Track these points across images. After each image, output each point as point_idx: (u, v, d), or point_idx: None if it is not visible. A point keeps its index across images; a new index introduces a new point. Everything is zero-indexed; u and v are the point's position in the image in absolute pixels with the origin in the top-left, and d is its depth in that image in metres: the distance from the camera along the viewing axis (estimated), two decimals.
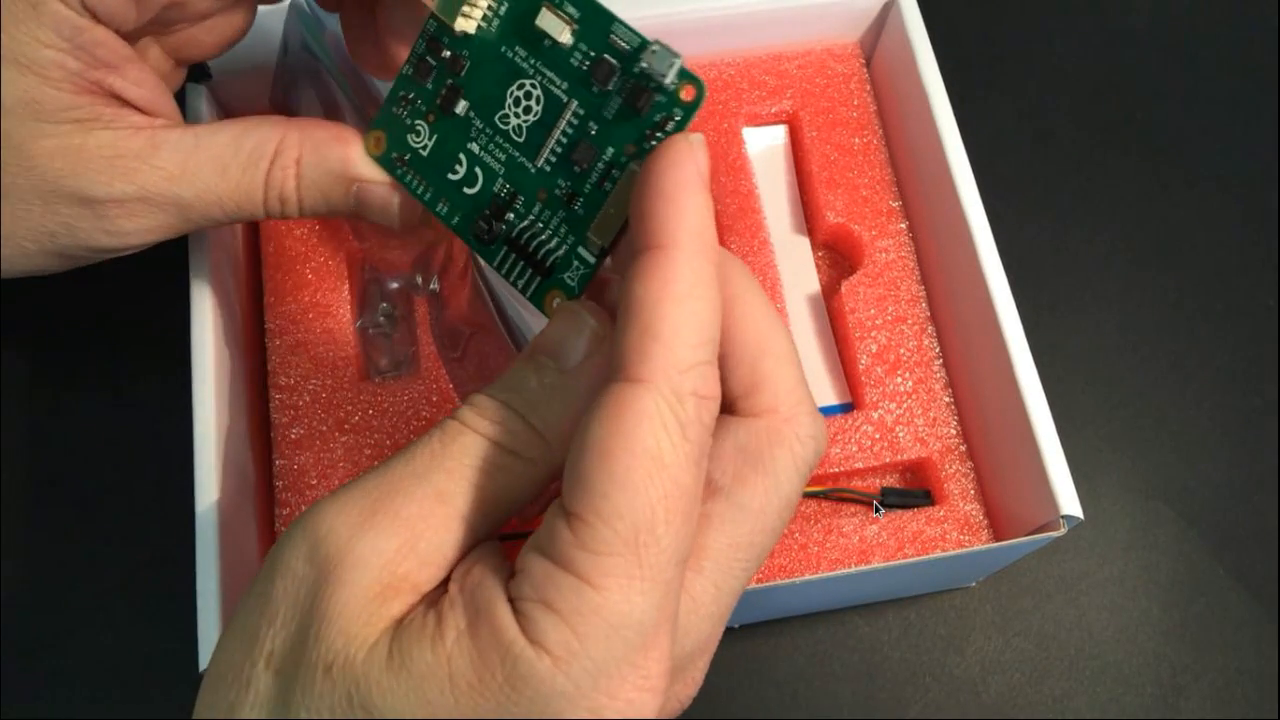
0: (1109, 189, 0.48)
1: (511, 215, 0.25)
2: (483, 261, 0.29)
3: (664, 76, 0.22)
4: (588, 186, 0.24)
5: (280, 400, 0.37)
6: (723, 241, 0.40)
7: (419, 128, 0.26)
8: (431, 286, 0.38)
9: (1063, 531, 0.32)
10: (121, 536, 0.40)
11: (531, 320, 0.32)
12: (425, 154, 0.26)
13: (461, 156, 0.26)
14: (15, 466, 0.41)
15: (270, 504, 0.36)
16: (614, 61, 0.23)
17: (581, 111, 0.24)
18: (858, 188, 0.41)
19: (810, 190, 0.42)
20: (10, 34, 0.26)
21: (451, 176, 0.26)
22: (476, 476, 0.21)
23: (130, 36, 0.28)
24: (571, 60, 0.24)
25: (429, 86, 0.26)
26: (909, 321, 0.39)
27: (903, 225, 0.41)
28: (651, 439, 0.19)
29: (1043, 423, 0.33)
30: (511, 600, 0.19)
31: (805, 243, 0.42)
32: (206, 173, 0.27)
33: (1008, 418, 0.35)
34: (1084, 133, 0.49)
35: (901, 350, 0.39)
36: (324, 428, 0.37)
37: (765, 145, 0.43)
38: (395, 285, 0.39)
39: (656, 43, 0.23)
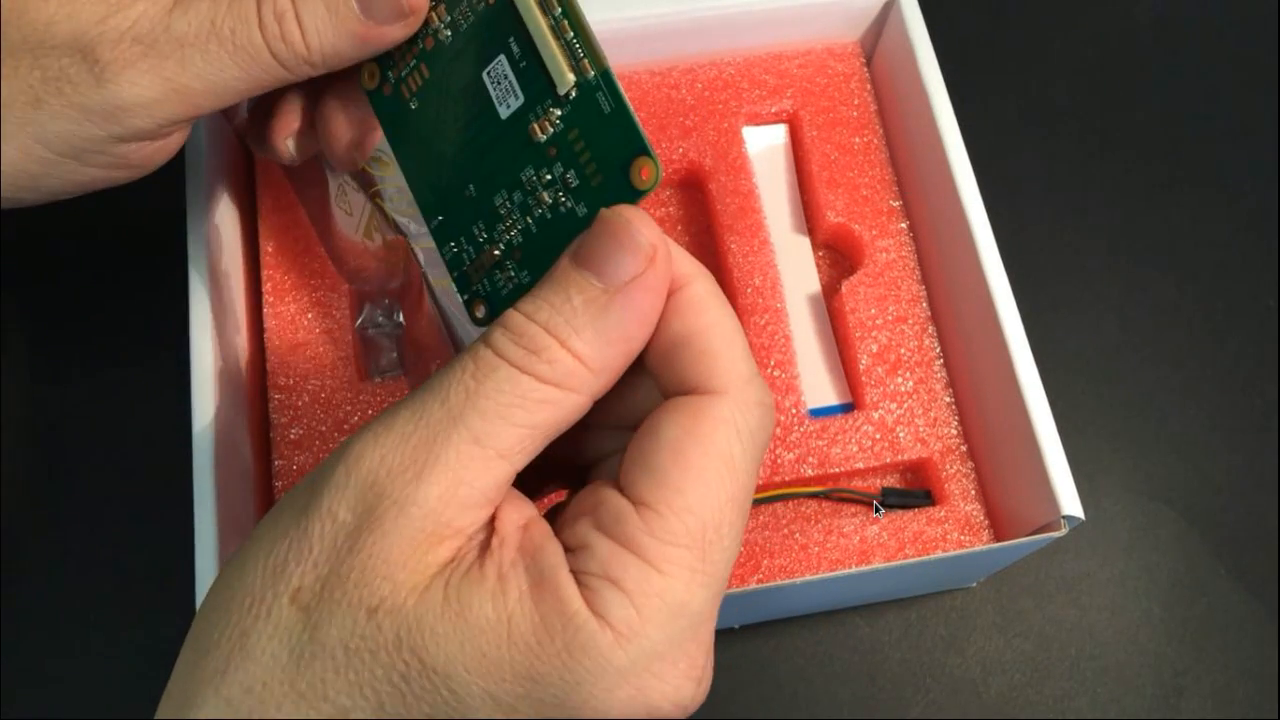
0: (1109, 189, 0.48)
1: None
2: (433, 282, 0.29)
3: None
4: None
5: (280, 400, 0.37)
6: (723, 241, 0.40)
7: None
8: (396, 317, 0.38)
9: (1064, 532, 0.32)
10: (121, 536, 0.40)
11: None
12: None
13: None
14: (15, 467, 0.41)
15: (270, 504, 0.36)
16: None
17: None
18: (858, 187, 0.41)
19: (810, 190, 0.41)
20: None
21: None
22: (515, 413, 0.20)
23: None
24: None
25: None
26: (909, 321, 0.39)
27: (903, 225, 0.41)
28: (726, 443, 0.20)
29: (1043, 423, 0.33)
30: (574, 573, 0.19)
31: (805, 242, 0.42)
32: (201, 6, 0.25)
33: (1008, 418, 0.35)
34: (1084, 133, 0.49)
35: (902, 350, 0.39)
36: (323, 428, 0.37)
37: (765, 145, 0.43)
38: (387, 301, 0.39)
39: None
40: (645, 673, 0.19)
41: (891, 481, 0.39)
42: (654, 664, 0.19)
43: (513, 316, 0.21)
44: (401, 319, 0.38)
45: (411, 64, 0.25)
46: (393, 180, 0.35)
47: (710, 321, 0.21)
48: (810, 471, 0.37)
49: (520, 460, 0.21)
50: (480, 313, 0.24)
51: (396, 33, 0.25)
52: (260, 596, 0.20)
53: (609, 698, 0.19)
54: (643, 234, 0.21)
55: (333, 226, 0.37)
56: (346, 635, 0.19)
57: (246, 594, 0.20)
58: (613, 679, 0.19)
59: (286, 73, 0.26)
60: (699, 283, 0.22)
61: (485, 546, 0.20)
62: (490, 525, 0.20)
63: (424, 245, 0.34)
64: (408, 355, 0.37)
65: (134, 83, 0.25)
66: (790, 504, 0.38)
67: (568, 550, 0.20)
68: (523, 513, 0.21)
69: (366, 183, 0.35)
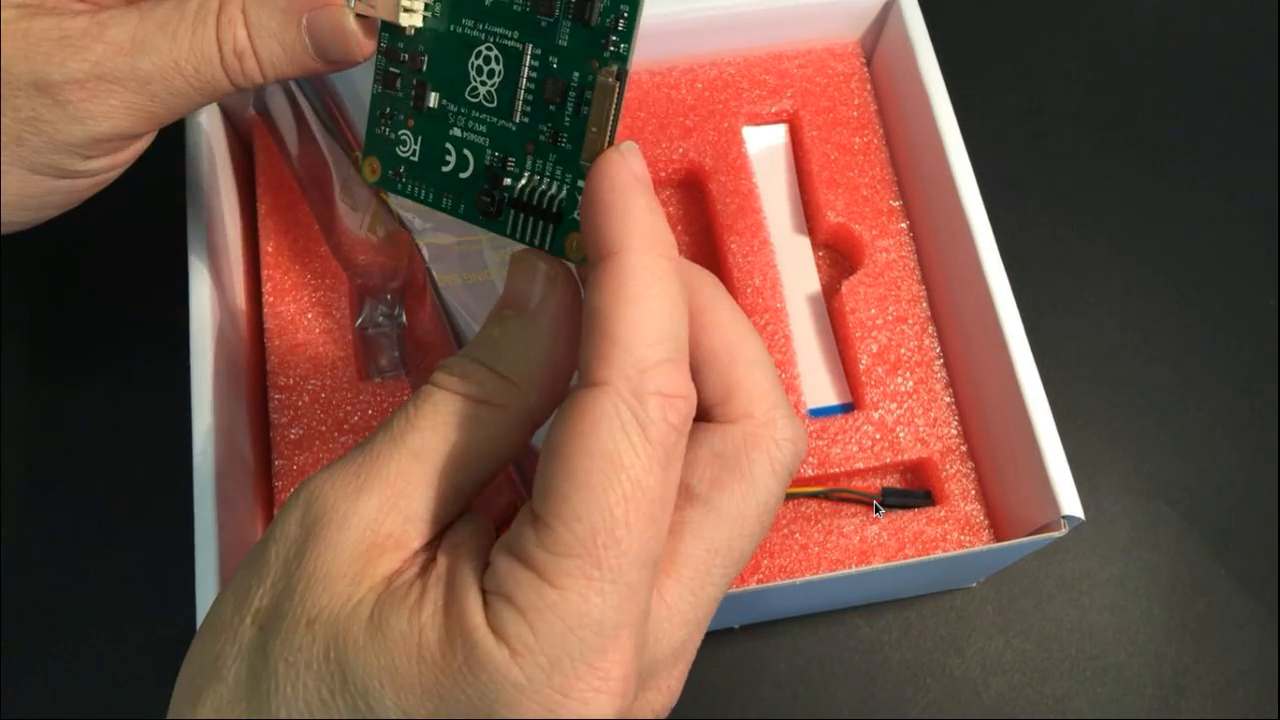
0: (1109, 189, 0.48)
1: (508, 180, 0.25)
2: (440, 283, 0.29)
3: None
4: (567, 118, 0.24)
5: (280, 400, 0.37)
6: (723, 242, 0.40)
7: (404, 137, 0.26)
8: (398, 316, 0.38)
9: (1063, 532, 0.32)
10: (121, 536, 0.40)
11: None
12: (416, 159, 0.26)
13: (448, 146, 0.26)
14: (15, 468, 0.41)
15: (270, 504, 0.36)
16: None
17: (539, 50, 0.24)
18: (858, 187, 0.41)
19: (810, 190, 0.41)
20: None
21: (445, 169, 0.26)
22: (450, 431, 0.21)
23: None
24: (514, 8, 0.24)
25: (399, 93, 0.26)
26: (909, 321, 0.39)
27: (903, 225, 0.41)
28: (609, 440, 0.19)
29: (1043, 423, 0.33)
30: (483, 591, 0.19)
31: (805, 242, 0.42)
32: (157, 40, 0.26)
33: (1008, 418, 0.35)
34: (1084, 133, 0.49)
35: (902, 350, 0.39)
36: (324, 428, 0.37)
37: (765, 145, 0.43)
38: (389, 297, 0.39)
39: None
40: (547, 688, 0.18)
41: (891, 481, 0.39)
42: (555, 679, 0.18)
43: (448, 360, 0.22)
44: (404, 318, 0.38)
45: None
46: None
47: (621, 299, 0.20)
48: (810, 471, 0.37)
49: (463, 480, 0.21)
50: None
51: (346, 67, 0.27)
52: (229, 622, 0.21)
53: (516, 716, 0.18)
54: (540, 266, 0.22)
55: (337, 221, 0.37)
56: (288, 649, 0.19)
57: (221, 621, 0.21)
58: (513, 696, 0.18)
59: (245, 89, 0.28)
60: (630, 254, 0.20)
61: (425, 566, 0.20)
62: (436, 545, 0.21)
63: (428, 241, 0.34)
64: (409, 354, 0.37)
65: (107, 117, 0.26)
66: (790, 504, 0.38)
67: (488, 574, 0.20)
68: (467, 535, 0.21)
69: None
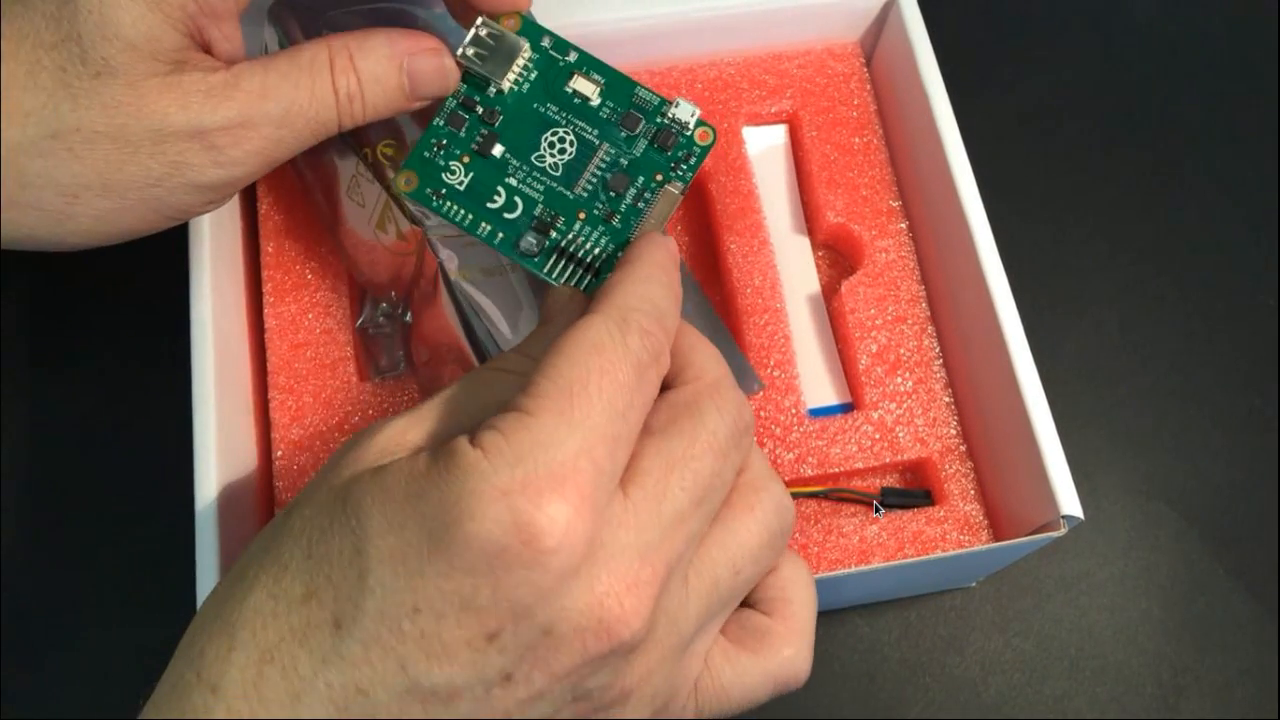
0: (1109, 189, 0.48)
1: (554, 233, 0.29)
2: (455, 278, 0.33)
3: (687, 126, 0.29)
4: (624, 205, 0.29)
5: (280, 400, 0.37)
6: (722, 242, 0.40)
7: (454, 167, 0.30)
8: (401, 315, 0.38)
9: (1063, 531, 0.32)
10: (121, 536, 0.40)
11: (502, 340, 0.34)
12: (462, 188, 0.30)
13: (500, 189, 0.29)
14: (16, 467, 0.41)
15: (270, 504, 0.36)
16: (639, 114, 0.30)
17: (612, 151, 0.30)
18: (858, 188, 0.41)
19: (810, 190, 0.42)
20: None
21: (490, 205, 0.29)
22: (478, 387, 0.25)
23: None
24: (600, 113, 0.30)
25: (463, 135, 0.30)
26: (909, 321, 0.39)
27: (903, 225, 0.41)
28: (593, 333, 0.23)
29: (1043, 423, 0.33)
30: (470, 435, 0.22)
31: (805, 243, 0.42)
32: (284, 88, 0.29)
33: (1008, 418, 0.35)
34: (1084, 133, 0.49)
35: (901, 350, 0.39)
36: (324, 428, 0.37)
37: (765, 145, 0.43)
38: (394, 295, 0.39)
39: (677, 100, 0.30)
40: (509, 480, 0.21)
41: (891, 481, 0.39)
42: (518, 473, 0.21)
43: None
44: (409, 317, 0.38)
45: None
46: None
47: (628, 276, 0.25)
48: (810, 471, 0.37)
49: (481, 419, 0.24)
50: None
51: (431, 102, 0.31)
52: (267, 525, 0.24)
53: (480, 504, 0.20)
54: (565, 289, 0.29)
55: (342, 220, 0.37)
56: (303, 508, 0.23)
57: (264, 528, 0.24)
58: (480, 484, 0.21)
59: (340, 131, 0.31)
60: (647, 244, 0.27)
61: None
62: None
63: (442, 235, 0.34)
64: (415, 352, 0.37)
65: (243, 163, 0.29)
66: None
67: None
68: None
69: (381, 174, 0.35)
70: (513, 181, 0.29)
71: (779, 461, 0.37)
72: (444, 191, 0.30)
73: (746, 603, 0.27)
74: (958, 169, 0.37)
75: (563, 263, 0.29)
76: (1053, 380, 0.35)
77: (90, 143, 0.28)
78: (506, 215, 0.29)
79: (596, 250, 0.29)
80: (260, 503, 0.36)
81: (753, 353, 0.38)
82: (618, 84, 0.30)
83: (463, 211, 0.30)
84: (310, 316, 0.38)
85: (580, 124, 0.30)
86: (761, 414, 0.37)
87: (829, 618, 0.40)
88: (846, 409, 0.39)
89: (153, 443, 0.41)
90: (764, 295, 0.39)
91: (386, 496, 0.21)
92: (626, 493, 0.23)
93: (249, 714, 0.21)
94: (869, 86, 0.43)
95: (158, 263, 0.38)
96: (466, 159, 0.30)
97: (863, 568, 0.34)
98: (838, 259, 0.42)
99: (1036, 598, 0.41)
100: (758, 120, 0.43)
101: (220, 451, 0.33)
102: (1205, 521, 0.42)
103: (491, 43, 0.30)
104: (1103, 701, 0.40)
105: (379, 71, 0.30)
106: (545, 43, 0.30)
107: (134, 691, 0.38)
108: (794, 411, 0.37)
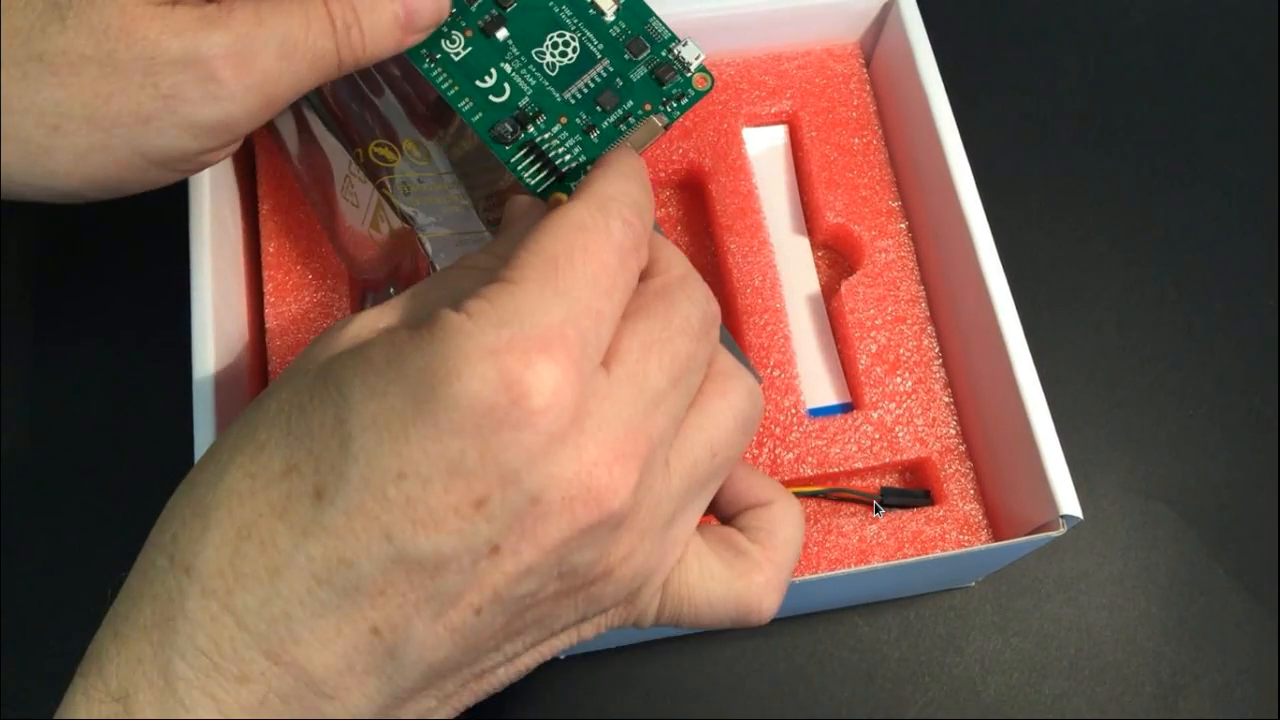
0: (1108, 189, 0.48)
1: (532, 128, 0.29)
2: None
3: (688, 67, 0.29)
4: (606, 123, 0.29)
5: None
6: (722, 242, 0.40)
7: (455, 37, 0.30)
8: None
9: (1062, 531, 0.32)
10: (122, 536, 0.40)
11: None
12: (456, 59, 0.30)
13: (493, 70, 0.29)
14: (16, 467, 0.41)
15: None
16: (646, 42, 0.29)
17: (611, 69, 0.29)
18: (857, 188, 0.41)
19: (810, 190, 0.42)
20: None
21: (480, 84, 0.29)
22: (447, 280, 0.24)
23: None
24: (610, 30, 0.30)
25: (473, 9, 0.30)
26: (909, 321, 0.39)
27: (902, 225, 0.41)
28: (574, 216, 0.23)
29: (1042, 422, 0.33)
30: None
31: (805, 243, 0.42)
32: (279, 16, 0.28)
33: (1007, 418, 0.35)
34: (1084, 133, 0.49)
35: (901, 350, 0.39)
36: None
37: (765, 145, 0.43)
38: (391, 291, 0.39)
39: (686, 40, 0.29)
40: (495, 340, 0.20)
41: (891, 481, 0.39)
42: (503, 333, 0.20)
43: None
44: None
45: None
46: (400, 170, 0.35)
47: (595, 172, 0.25)
48: (809, 471, 0.37)
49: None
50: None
51: (426, 34, 0.30)
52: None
53: (465, 362, 0.20)
54: (522, 198, 0.28)
55: (339, 218, 0.37)
56: (280, 390, 0.22)
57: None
58: (465, 344, 0.20)
59: (340, 72, 0.30)
60: (612, 159, 0.26)
61: None
62: None
63: (432, 235, 0.34)
64: None
65: (242, 99, 0.27)
66: None
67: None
68: None
69: (373, 173, 0.35)
70: (507, 68, 0.29)
71: (779, 461, 0.37)
72: (439, 57, 0.30)
73: (734, 525, 0.27)
74: (957, 169, 0.37)
75: (531, 158, 0.29)
76: (1052, 380, 0.35)
77: (76, 67, 0.26)
78: (492, 98, 0.29)
79: (568, 157, 0.29)
80: None
81: (753, 353, 0.38)
82: (635, 6, 0.30)
83: (450, 81, 0.29)
84: (310, 316, 0.38)
85: (588, 34, 0.30)
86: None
87: (829, 617, 0.40)
88: (846, 409, 0.39)
89: (153, 443, 0.41)
90: (764, 295, 0.39)
91: (368, 366, 0.21)
92: (609, 370, 0.22)
93: (225, 592, 0.20)
94: (868, 87, 0.43)
95: (159, 263, 0.39)
96: (470, 33, 0.30)
97: (863, 567, 0.34)
98: (837, 259, 0.42)
99: (1036, 597, 0.41)
100: (758, 121, 0.43)
101: None
102: (1204, 521, 0.42)
103: None
104: (1102, 701, 0.40)
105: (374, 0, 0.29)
106: None
107: None
108: (794, 411, 0.37)
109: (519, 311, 0.21)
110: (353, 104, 0.36)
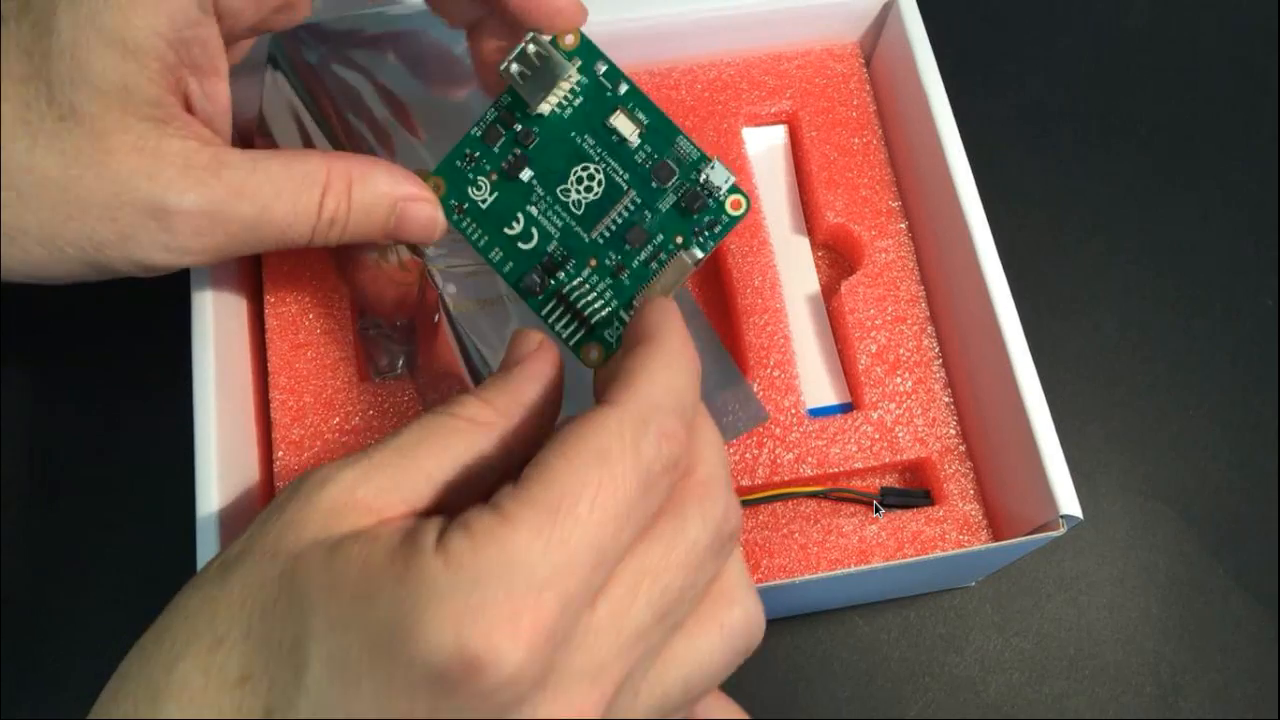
0: (1109, 189, 0.48)
1: (562, 275, 0.28)
2: (451, 307, 0.32)
3: (719, 190, 0.28)
4: (636, 262, 0.28)
5: (280, 400, 0.37)
6: (722, 242, 0.40)
7: (480, 183, 0.29)
8: (407, 352, 0.38)
9: (1062, 531, 0.32)
10: (121, 536, 0.40)
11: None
12: (484, 207, 0.29)
13: (520, 215, 0.28)
14: (15, 465, 0.41)
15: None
16: (674, 167, 0.28)
17: (639, 200, 0.28)
18: (857, 188, 0.41)
19: (810, 190, 0.42)
20: (125, 13, 0.25)
21: (508, 231, 0.28)
22: (432, 438, 0.23)
23: (230, 38, 0.28)
24: (636, 157, 0.28)
25: (495, 150, 0.29)
26: (909, 321, 0.39)
27: (902, 225, 0.41)
28: (603, 440, 0.21)
29: (1042, 422, 0.33)
30: (442, 532, 0.21)
31: (805, 243, 0.42)
32: (267, 193, 0.27)
33: (1007, 418, 0.35)
34: (1083, 133, 0.49)
35: (901, 350, 0.39)
36: (324, 428, 0.37)
37: (765, 145, 0.43)
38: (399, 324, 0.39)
39: (715, 159, 0.28)
40: (464, 604, 0.19)
41: (890, 481, 0.39)
42: (474, 597, 0.19)
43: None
44: (416, 358, 0.38)
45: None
46: None
47: (648, 364, 0.23)
48: (809, 471, 0.37)
49: (436, 472, 0.23)
50: (594, 355, 0.28)
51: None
52: (201, 572, 0.23)
53: (429, 624, 0.19)
54: (534, 337, 0.26)
55: (346, 246, 0.37)
56: (246, 574, 0.21)
57: (196, 576, 0.23)
58: (433, 602, 0.19)
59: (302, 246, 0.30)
60: (665, 338, 0.24)
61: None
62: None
63: (440, 267, 0.34)
64: (421, 381, 0.37)
65: (194, 254, 0.27)
66: (789, 504, 0.38)
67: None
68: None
69: None
70: (534, 210, 0.28)
71: (779, 461, 0.37)
72: (466, 206, 0.29)
73: None
74: (957, 169, 0.37)
75: (560, 309, 0.28)
76: (1052, 380, 0.35)
77: (39, 188, 0.25)
78: (520, 245, 0.28)
79: (597, 305, 0.28)
80: (261, 502, 0.36)
81: (753, 353, 0.38)
82: (661, 128, 0.28)
83: (480, 232, 0.29)
84: (310, 317, 0.38)
85: (613, 163, 0.28)
86: None
87: (829, 617, 0.40)
88: (846, 409, 0.39)
89: (153, 443, 0.41)
90: (764, 295, 0.39)
91: (335, 591, 0.20)
92: (593, 607, 0.21)
93: None
94: (868, 87, 0.43)
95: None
96: (494, 176, 0.29)
97: (863, 567, 0.34)
98: (837, 259, 0.42)
99: (1036, 597, 0.41)
100: (757, 120, 0.43)
101: (221, 452, 0.33)
102: (1204, 521, 0.42)
103: (536, 62, 0.28)
104: (1102, 701, 0.40)
105: (371, 204, 0.29)
106: (599, 69, 0.28)
107: None
108: (793, 411, 0.37)
109: (500, 568, 0.19)
110: (365, 133, 0.36)
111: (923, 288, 0.40)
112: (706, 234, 0.28)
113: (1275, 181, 0.48)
